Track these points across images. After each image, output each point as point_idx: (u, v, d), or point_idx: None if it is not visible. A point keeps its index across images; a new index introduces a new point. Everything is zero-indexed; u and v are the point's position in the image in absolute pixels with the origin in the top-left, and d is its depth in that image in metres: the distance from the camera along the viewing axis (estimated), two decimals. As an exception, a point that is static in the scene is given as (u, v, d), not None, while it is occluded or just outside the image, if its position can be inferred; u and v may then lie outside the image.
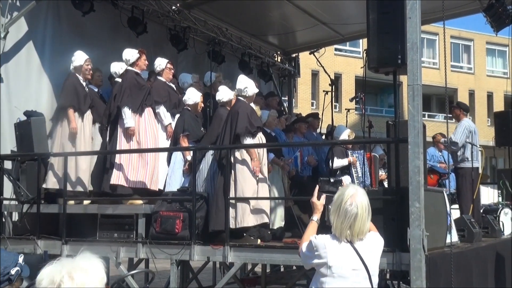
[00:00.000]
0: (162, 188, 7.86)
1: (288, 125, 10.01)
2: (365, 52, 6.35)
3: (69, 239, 7.48)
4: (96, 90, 8.64)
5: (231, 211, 6.90)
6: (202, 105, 8.32)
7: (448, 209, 6.52)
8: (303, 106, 30.12)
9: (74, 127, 7.83)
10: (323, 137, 11.42)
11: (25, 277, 4.17)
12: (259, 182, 7.11)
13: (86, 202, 7.96)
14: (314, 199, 3.81)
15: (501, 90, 37.68)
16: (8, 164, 7.97)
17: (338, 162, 9.02)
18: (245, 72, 11.94)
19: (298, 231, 7.25)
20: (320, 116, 10.97)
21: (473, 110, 37.06)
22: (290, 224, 8.11)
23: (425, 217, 5.40)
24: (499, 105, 36.28)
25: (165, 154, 8.10)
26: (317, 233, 3.63)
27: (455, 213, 8.31)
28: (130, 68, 7.92)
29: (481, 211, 9.14)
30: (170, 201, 7.16)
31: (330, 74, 12.46)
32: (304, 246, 3.60)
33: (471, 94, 38.15)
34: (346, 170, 9.17)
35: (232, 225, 6.87)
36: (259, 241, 6.87)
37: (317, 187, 3.87)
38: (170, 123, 8.23)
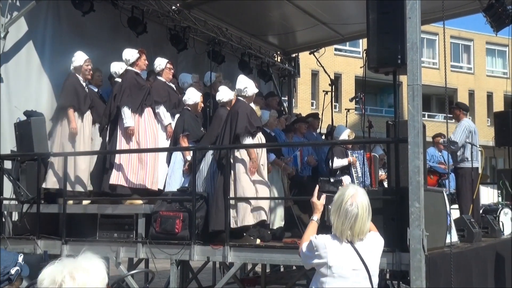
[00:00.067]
0: (162, 188, 7.86)
1: (288, 125, 10.01)
2: (365, 52, 6.35)
3: (69, 239, 7.48)
4: (96, 90, 8.64)
5: (231, 211, 6.90)
6: (202, 105, 8.32)
7: (448, 209, 6.52)
8: (303, 106, 30.12)
9: (74, 127, 7.83)
10: (323, 137, 11.43)
11: (24, 276, 4.18)
12: (259, 182, 7.11)
13: (86, 202, 7.96)
14: (314, 199, 3.82)
15: (501, 90, 37.70)
16: (8, 164, 7.97)
17: (338, 162, 9.02)
18: (245, 72, 11.94)
19: (298, 231, 7.26)
20: (320, 116, 10.96)
21: (473, 110, 37.06)
22: (290, 224, 8.11)
23: (425, 217, 5.40)
24: (499, 105, 36.29)
25: (165, 154, 8.10)
26: (317, 233, 3.63)
27: (455, 213, 8.31)
28: (130, 68, 7.92)
29: (481, 211, 9.14)
30: (170, 201, 7.16)
31: (330, 74, 12.45)
32: (304, 246, 3.60)
33: (471, 94, 38.16)
34: (346, 170, 9.17)
35: (232, 224, 6.87)
36: (259, 241, 6.87)
37: (317, 187, 3.87)
38: (170, 123, 8.23)
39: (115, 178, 7.55)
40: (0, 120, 8.03)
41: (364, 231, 3.45)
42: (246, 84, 7.37)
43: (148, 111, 7.94)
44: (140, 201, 7.58)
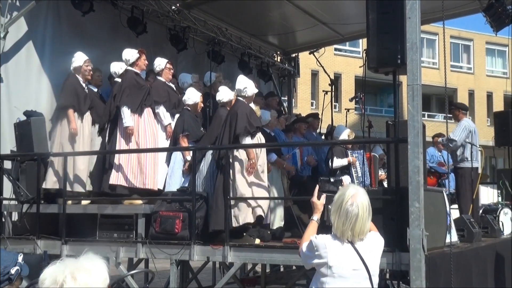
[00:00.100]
0: (162, 188, 7.86)
1: (288, 125, 10.01)
2: (364, 52, 6.35)
3: (68, 239, 7.48)
4: (95, 90, 8.64)
5: (232, 210, 6.89)
6: (202, 105, 8.32)
7: (447, 209, 6.52)
8: (302, 106, 30.13)
9: (74, 128, 7.83)
10: (323, 137, 11.42)
11: (24, 276, 4.18)
12: (256, 183, 7.10)
13: (85, 202, 7.97)
14: (314, 199, 3.82)
15: (501, 90, 37.71)
16: (8, 164, 7.97)
17: (337, 162, 9.02)
18: (245, 72, 11.94)
19: (298, 231, 7.26)
20: (320, 116, 10.97)
21: (473, 110, 37.08)
22: (289, 224, 8.11)
23: (425, 217, 5.40)
24: (498, 105, 36.30)
25: (165, 154, 8.10)
26: (317, 233, 3.63)
27: (455, 213, 8.31)
28: (130, 68, 7.93)
29: (481, 211, 9.14)
30: (169, 201, 7.16)
31: (329, 74, 12.45)
32: (304, 246, 3.60)
33: (471, 94, 38.17)
34: (346, 170, 9.16)
35: (234, 223, 6.86)
36: (258, 241, 6.87)
37: (317, 186, 3.87)
38: (170, 123, 8.23)
39: (115, 178, 7.56)
40: (0, 120, 8.03)
41: (365, 231, 3.45)
42: (246, 84, 7.36)
43: (147, 111, 7.94)
44: (140, 201, 7.58)
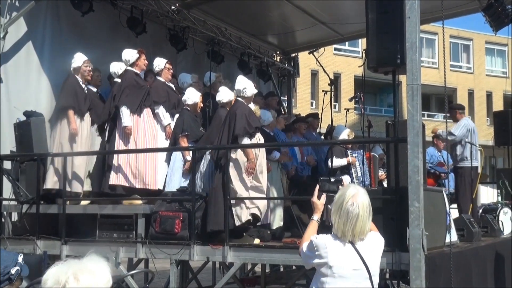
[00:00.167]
0: (161, 188, 7.86)
1: (288, 125, 10.01)
2: (364, 51, 6.35)
3: (68, 239, 7.49)
4: (95, 90, 8.63)
5: (231, 211, 6.89)
6: (202, 105, 8.32)
7: (447, 208, 6.52)
8: (302, 106, 30.12)
9: (74, 128, 7.82)
10: (322, 137, 11.43)
11: (24, 276, 4.18)
12: (256, 185, 7.10)
13: (85, 202, 7.96)
14: (315, 198, 3.81)
15: (500, 90, 37.72)
16: (7, 165, 7.97)
17: (337, 162, 9.02)
18: (245, 72, 11.95)
19: (298, 231, 7.26)
20: (319, 116, 10.97)
21: (472, 110, 37.10)
22: (289, 224, 8.11)
23: (425, 217, 5.40)
24: (498, 105, 36.30)
25: (164, 154, 8.09)
26: (318, 233, 3.63)
27: (454, 213, 8.31)
28: (129, 68, 7.93)
29: (481, 210, 9.15)
30: (169, 201, 7.17)
31: (329, 74, 12.46)
32: (304, 246, 3.60)
33: (470, 94, 38.18)
34: (346, 170, 9.17)
35: (237, 222, 6.86)
36: (258, 241, 6.87)
37: (317, 186, 3.87)
38: (169, 124, 8.22)
39: (115, 178, 7.56)
40: (0, 120, 8.03)
41: (365, 231, 3.45)
42: (245, 85, 7.36)
43: (147, 111, 7.94)
44: (139, 201, 7.58)
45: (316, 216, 3.79)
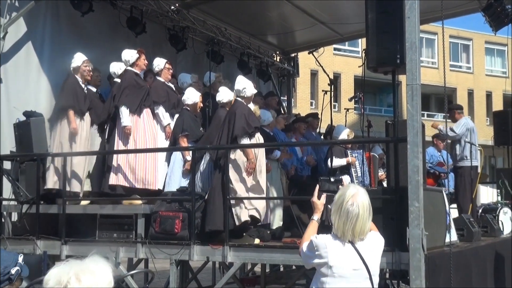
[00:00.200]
0: (161, 188, 7.86)
1: (288, 125, 10.02)
2: (364, 51, 6.36)
3: (68, 240, 7.49)
4: (94, 90, 8.63)
5: (232, 210, 6.89)
6: (201, 105, 8.32)
7: (447, 208, 6.52)
8: (302, 106, 30.12)
9: (74, 127, 7.82)
10: (322, 137, 11.43)
11: (24, 277, 4.18)
12: (256, 182, 7.10)
13: (85, 202, 7.96)
14: (315, 198, 3.81)
15: (500, 89, 37.72)
16: (7, 165, 7.97)
17: (336, 162, 9.02)
18: (244, 72, 11.95)
19: (298, 231, 7.26)
20: (319, 115, 10.97)
21: (472, 110, 37.10)
22: (289, 224, 8.10)
23: (424, 217, 5.40)
24: (498, 104, 36.30)
25: (164, 154, 8.09)
26: (318, 233, 3.63)
27: (454, 213, 8.31)
28: (129, 68, 7.93)
29: (480, 210, 9.15)
30: (169, 201, 7.16)
31: (329, 74, 12.45)
32: (304, 246, 3.60)
33: (470, 94, 38.18)
34: (345, 170, 9.17)
35: (237, 222, 6.86)
36: (258, 241, 6.87)
37: (317, 186, 3.87)
38: (169, 124, 8.22)
39: (115, 178, 7.56)
40: (-1, 120, 8.04)
41: (365, 230, 3.45)
42: (245, 85, 7.37)
43: (146, 111, 7.94)
44: (139, 201, 7.58)
45: (316, 216, 3.79)
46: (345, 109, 11.17)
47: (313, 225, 3.76)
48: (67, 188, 7.76)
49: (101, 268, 2.22)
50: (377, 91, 36.61)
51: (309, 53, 12.11)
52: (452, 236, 6.38)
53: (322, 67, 11.15)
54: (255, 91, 7.63)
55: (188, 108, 8.08)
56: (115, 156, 7.62)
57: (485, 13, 10.06)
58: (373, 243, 3.53)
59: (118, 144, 7.67)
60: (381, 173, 10.66)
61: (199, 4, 10.99)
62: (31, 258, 6.30)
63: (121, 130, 7.68)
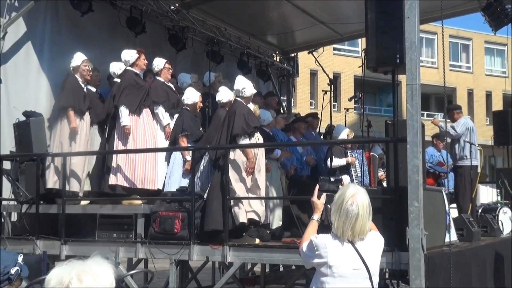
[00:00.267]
0: (161, 188, 7.86)
1: (288, 124, 10.02)
2: (363, 51, 6.36)
3: (68, 239, 7.49)
4: (94, 90, 8.63)
5: (231, 210, 6.89)
6: (201, 105, 8.32)
7: (447, 208, 6.52)
8: (302, 105, 30.11)
9: (75, 126, 7.82)
10: (321, 136, 11.43)
11: (24, 277, 4.18)
12: (256, 182, 7.10)
13: (85, 202, 7.96)
14: (315, 198, 3.81)
15: (500, 89, 37.72)
16: (7, 165, 7.97)
17: (336, 162, 9.02)
18: (244, 71, 11.95)
19: (297, 231, 7.26)
20: (319, 115, 10.97)
21: (472, 109, 37.11)
22: (289, 223, 8.10)
23: (424, 216, 5.40)
24: (497, 104, 36.31)
25: (164, 154, 8.10)
26: (318, 233, 3.63)
27: (454, 212, 8.31)
28: (129, 68, 7.93)
29: (480, 210, 9.15)
30: (169, 201, 7.16)
31: (328, 74, 12.45)
32: (304, 246, 3.60)
33: (470, 93, 38.19)
34: (345, 169, 9.17)
35: (237, 222, 6.86)
36: (258, 240, 6.87)
37: (317, 186, 3.87)
38: (169, 123, 8.22)
39: (114, 178, 7.56)
40: (-1, 120, 8.04)
41: (365, 230, 3.44)
42: (244, 85, 7.37)
43: (146, 111, 7.94)
44: (139, 201, 7.58)
45: (316, 216, 3.79)
46: (344, 109, 11.17)
47: (313, 225, 3.75)
48: (67, 188, 7.76)
49: (103, 269, 2.22)
50: (376, 91, 36.62)
51: (308, 53, 12.11)
52: (452, 236, 6.39)
53: (321, 67, 11.15)
54: (254, 91, 7.64)
55: (188, 108, 8.08)
56: (114, 156, 7.62)
57: (484, 12, 10.07)
58: (373, 243, 3.53)
59: (118, 144, 7.68)
60: (381, 173, 10.66)
61: (199, 4, 10.99)
62: (30, 258, 6.30)
63: (120, 130, 7.68)
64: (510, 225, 9.11)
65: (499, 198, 10.01)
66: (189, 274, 10.00)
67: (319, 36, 12.99)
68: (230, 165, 6.94)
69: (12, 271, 4.00)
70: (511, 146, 10.48)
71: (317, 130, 10.91)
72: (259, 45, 13.24)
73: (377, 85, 31.86)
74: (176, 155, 7.88)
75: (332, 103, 9.88)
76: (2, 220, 8.01)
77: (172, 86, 8.61)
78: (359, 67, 7.54)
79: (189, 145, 7.73)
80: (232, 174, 6.92)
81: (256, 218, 7.02)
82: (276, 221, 8.14)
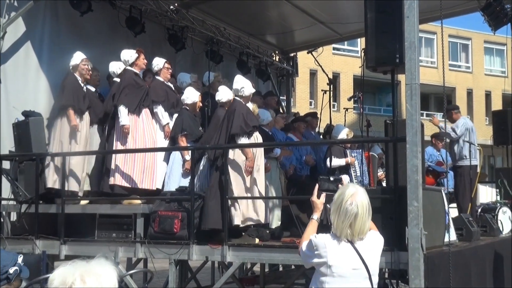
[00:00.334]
0: (160, 187, 7.86)
1: (287, 124, 10.01)
2: (363, 51, 6.36)
3: (67, 239, 7.48)
4: (93, 90, 8.63)
5: (230, 210, 6.89)
6: (201, 104, 8.32)
7: (446, 208, 6.52)
8: (301, 105, 30.10)
9: (75, 125, 7.81)
10: (321, 136, 11.42)
11: (24, 278, 4.17)
12: (255, 181, 7.09)
13: (84, 202, 7.96)
14: (314, 197, 3.81)
15: (499, 89, 37.70)
16: (6, 164, 7.96)
17: (335, 162, 9.02)
18: (243, 71, 11.95)
19: (297, 231, 7.26)
20: (318, 115, 10.96)
21: (471, 109, 37.11)
22: (288, 223, 8.10)
23: (423, 216, 5.40)
24: (497, 104, 36.29)
25: (163, 153, 8.09)
26: (317, 232, 3.63)
27: (453, 212, 8.31)
28: (129, 68, 7.93)
29: (480, 210, 9.16)
30: (168, 201, 7.16)
31: (328, 74, 12.45)
32: (304, 245, 3.59)
33: (469, 93, 38.19)
34: (345, 169, 9.16)
35: (237, 222, 6.85)
36: (257, 240, 6.87)
37: (317, 185, 3.86)
38: (168, 123, 8.22)
39: (114, 178, 7.55)
40: (-2, 120, 8.04)
41: (364, 230, 3.44)
42: (243, 84, 7.37)
43: (145, 111, 7.94)
44: (138, 201, 7.58)
45: (316, 216, 3.79)
46: (344, 108, 11.16)
47: (313, 225, 3.75)
48: (66, 188, 7.76)
49: (106, 271, 2.22)
50: (376, 91, 36.61)
51: (308, 53, 12.10)
52: (451, 235, 6.39)
53: (321, 66, 11.15)
54: (253, 90, 7.63)
55: (187, 108, 8.08)
56: (114, 155, 7.61)
57: (484, 12, 10.07)
58: (373, 243, 3.53)
59: (117, 144, 7.68)
60: (380, 173, 10.66)
61: (198, 4, 11.00)
62: (30, 258, 6.29)
63: (120, 130, 7.67)
64: (510, 224, 9.12)
65: (498, 197, 10.01)
66: (188, 274, 10.00)
67: (319, 36, 12.99)
68: (229, 164, 6.94)
69: (11, 270, 3.99)
70: (511, 146, 10.48)
71: (317, 129, 10.90)
72: (259, 45, 13.24)
73: (376, 84, 31.87)
74: (176, 155, 7.88)
75: (332, 102, 9.88)
76: (2, 220, 8.01)
77: (171, 85, 8.61)
78: (359, 67, 7.54)
79: (188, 145, 7.73)
80: (231, 174, 6.92)
81: (253, 223, 7.02)
82: (275, 221, 8.14)
